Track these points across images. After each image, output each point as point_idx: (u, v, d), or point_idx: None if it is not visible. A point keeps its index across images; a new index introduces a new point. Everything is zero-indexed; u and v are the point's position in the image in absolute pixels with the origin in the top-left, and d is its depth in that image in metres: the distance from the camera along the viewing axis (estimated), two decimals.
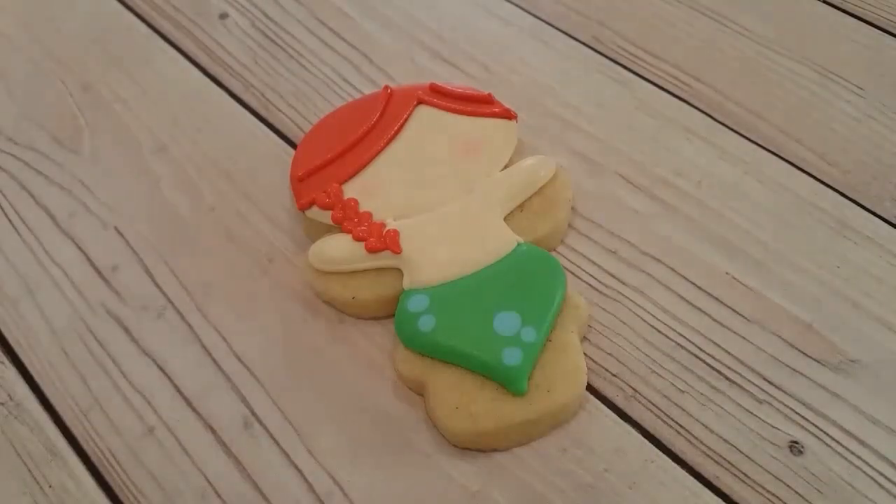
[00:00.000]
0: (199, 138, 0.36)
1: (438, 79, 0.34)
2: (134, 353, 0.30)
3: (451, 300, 0.28)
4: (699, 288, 0.30)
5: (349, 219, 0.30)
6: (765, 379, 0.28)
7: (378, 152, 0.32)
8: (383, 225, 0.30)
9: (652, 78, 0.37)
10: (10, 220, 0.34)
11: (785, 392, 0.27)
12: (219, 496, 0.27)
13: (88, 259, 0.33)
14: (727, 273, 0.30)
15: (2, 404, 0.29)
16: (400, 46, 0.39)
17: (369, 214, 0.30)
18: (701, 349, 0.29)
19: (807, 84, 0.36)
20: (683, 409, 0.27)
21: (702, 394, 0.28)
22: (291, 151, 0.34)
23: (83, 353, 0.30)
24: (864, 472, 0.26)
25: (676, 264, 0.31)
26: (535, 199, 0.31)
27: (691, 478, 0.26)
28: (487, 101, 0.33)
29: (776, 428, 0.27)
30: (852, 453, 0.26)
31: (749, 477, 0.26)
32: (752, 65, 0.37)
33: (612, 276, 0.31)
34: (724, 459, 0.26)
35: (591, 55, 0.38)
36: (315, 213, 0.31)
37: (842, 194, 0.32)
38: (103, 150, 0.36)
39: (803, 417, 0.27)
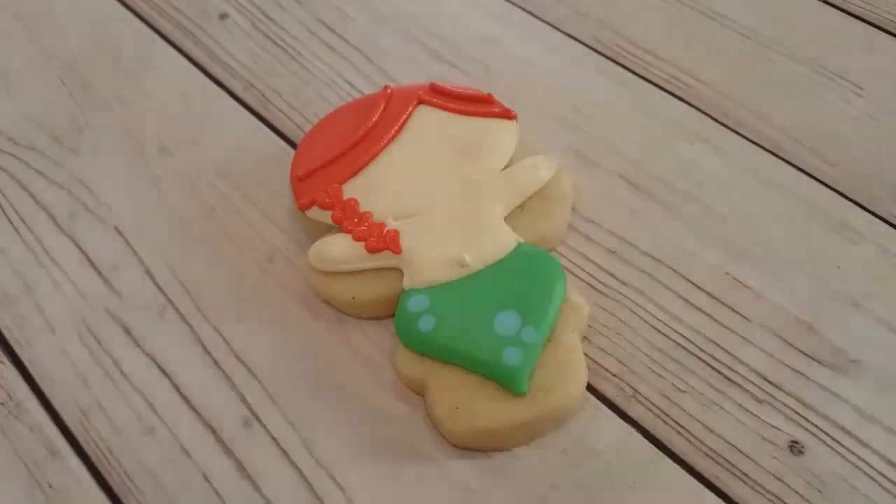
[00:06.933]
0: (199, 138, 0.36)
1: (438, 79, 0.34)
2: (134, 353, 0.30)
3: (451, 300, 0.28)
4: (699, 288, 0.30)
5: (349, 219, 0.30)
6: (765, 379, 0.28)
7: (378, 152, 0.32)
8: (383, 225, 0.30)
9: (652, 78, 0.37)
10: (10, 220, 0.34)
11: (785, 392, 0.27)
12: (219, 496, 0.27)
13: (88, 259, 0.33)
14: (727, 273, 0.30)
15: (2, 404, 0.29)
16: (400, 46, 0.39)
17: (369, 214, 0.30)
18: (701, 349, 0.29)
19: (807, 84, 0.36)
20: (683, 409, 0.27)
21: (702, 394, 0.28)
22: (291, 151, 0.34)
23: (83, 353, 0.30)
24: (864, 472, 0.26)
25: (676, 264, 0.31)
26: (535, 199, 0.31)
27: (691, 478, 0.26)
28: (487, 101, 0.33)
29: (776, 428, 0.27)
30: (852, 453, 0.26)
31: (749, 477, 0.26)
32: (752, 65, 0.37)
33: (612, 276, 0.31)
34: (725, 459, 0.26)
35: (591, 55, 0.38)
36: (315, 213, 0.31)
37: (842, 194, 0.32)
38: (103, 150, 0.36)
39: (803, 417, 0.27)
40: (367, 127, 0.32)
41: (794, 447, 0.26)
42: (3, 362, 0.30)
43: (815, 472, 0.26)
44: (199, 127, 0.37)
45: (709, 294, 0.30)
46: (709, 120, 0.35)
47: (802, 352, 0.28)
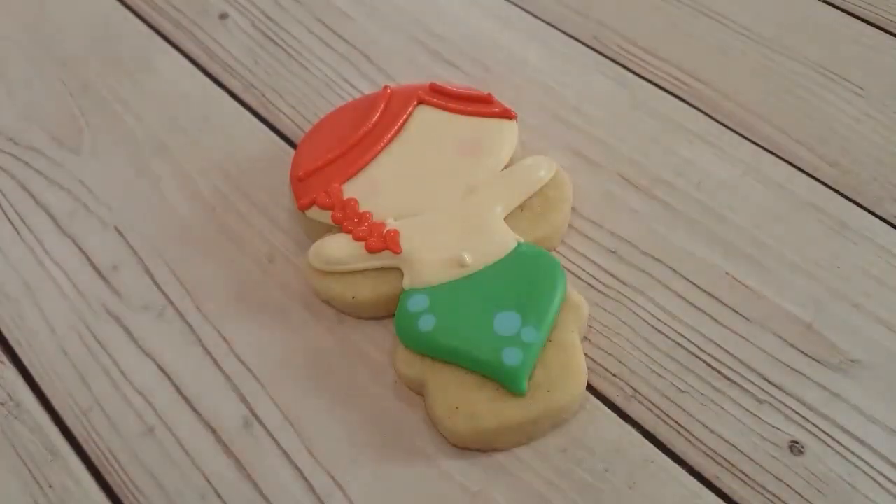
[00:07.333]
0: (199, 138, 0.36)
1: (438, 79, 0.34)
2: (134, 353, 0.30)
3: (451, 300, 0.28)
4: (699, 288, 0.30)
5: (349, 219, 0.30)
6: (765, 379, 0.28)
7: (378, 152, 0.32)
8: (383, 225, 0.30)
9: (652, 78, 0.37)
10: (10, 220, 0.34)
11: (785, 392, 0.27)
12: (219, 496, 0.27)
13: (88, 259, 0.33)
14: (727, 273, 0.30)
15: (2, 404, 0.29)
16: (400, 46, 0.39)
17: (369, 214, 0.30)
18: (701, 349, 0.29)
19: (807, 84, 0.36)
20: (683, 409, 0.27)
21: (702, 394, 0.28)
22: (291, 151, 0.34)
23: (83, 353, 0.30)
24: (864, 472, 0.26)
25: (676, 264, 0.31)
26: (535, 199, 0.31)
27: (691, 478, 0.26)
28: (487, 101, 0.33)
29: (776, 428, 0.27)
30: (852, 453, 0.26)
31: (749, 477, 0.26)
32: (752, 65, 0.37)
33: (612, 276, 0.31)
34: (725, 459, 0.26)
35: (591, 55, 0.38)
36: (315, 213, 0.31)
37: (842, 194, 0.32)
38: (103, 150, 0.36)
39: (803, 417, 0.27)
40: (368, 127, 0.32)
41: (794, 447, 0.26)
42: (3, 362, 0.30)
43: (815, 472, 0.26)
44: (199, 127, 0.37)
45: (709, 294, 0.30)
46: (709, 120, 0.35)
47: (802, 352, 0.28)
